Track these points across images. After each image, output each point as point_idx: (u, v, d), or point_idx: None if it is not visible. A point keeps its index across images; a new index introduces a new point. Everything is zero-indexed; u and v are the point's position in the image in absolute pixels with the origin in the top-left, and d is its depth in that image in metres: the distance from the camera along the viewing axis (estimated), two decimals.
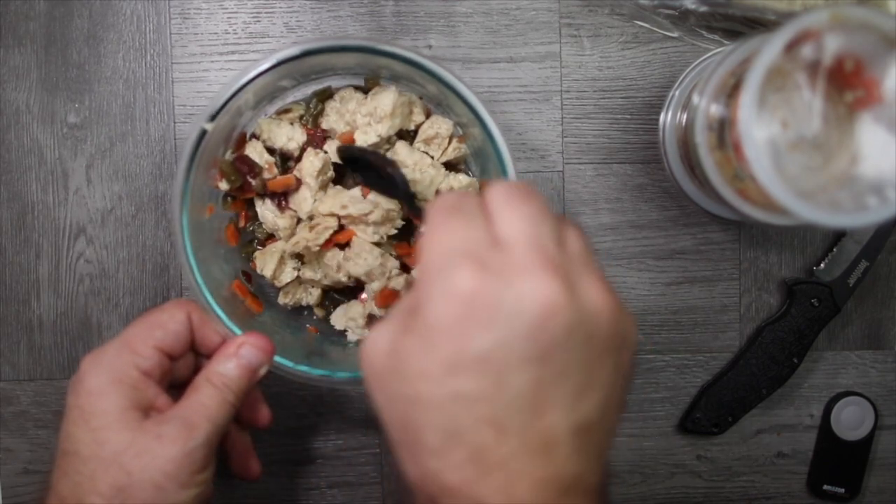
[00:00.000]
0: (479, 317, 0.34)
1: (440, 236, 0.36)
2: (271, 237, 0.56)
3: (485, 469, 0.34)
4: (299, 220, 0.55)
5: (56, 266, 0.60)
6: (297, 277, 0.56)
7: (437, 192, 0.54)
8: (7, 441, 0.61)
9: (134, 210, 0.60)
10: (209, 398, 0.45)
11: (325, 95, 0.55)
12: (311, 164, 0.53)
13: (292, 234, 0.54)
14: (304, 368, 0.50)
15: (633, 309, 0.61)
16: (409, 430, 0.36)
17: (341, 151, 0.53)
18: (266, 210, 0.55)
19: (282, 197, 0.54)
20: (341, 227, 0.54)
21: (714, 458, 0.63)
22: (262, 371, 0.48)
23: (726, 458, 0.63)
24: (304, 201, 0.54)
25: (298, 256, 0.55)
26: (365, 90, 0.55)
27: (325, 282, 0.55)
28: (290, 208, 0.54)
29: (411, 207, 0.51)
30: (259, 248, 0.56)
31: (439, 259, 0.36)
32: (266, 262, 0.54)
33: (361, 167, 0.53)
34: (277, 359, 0.49)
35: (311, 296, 0.57)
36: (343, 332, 0.57)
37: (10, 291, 0.60)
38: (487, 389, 0.34)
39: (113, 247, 0.60)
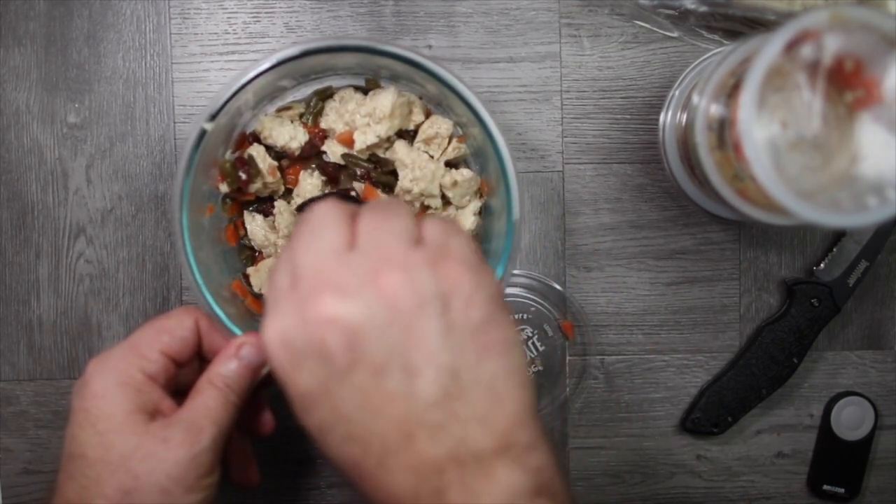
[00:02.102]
0: (289, 362, 0.38)
1: (269, 285, 0.40)
2: (261, 253, 0.56)
3: (369, 479, 0.38)
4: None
5: (56, 266, 0.60)
6: None
7: (441, 187, 0.54)
8: (7, 441, 0.61)
9: (134, 210, 0.60)
10: (213, 400, 0.45)
11: (326, 94, 0.55)
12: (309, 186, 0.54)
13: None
14: None
15: (633, 309, 0.61)
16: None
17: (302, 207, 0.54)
18: (256, 226, 0.55)
19: (269, 202, 0.55)
20: None
21: (714, 458, 0.63)
22: (264, 371, 0.48)
23: (726, 458, 0.63)
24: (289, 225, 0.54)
25: None
26: (365, 90, 0.55)
27: None
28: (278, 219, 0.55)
29: None
30: (257, 255, 0.56)
31: (265, 307, 0.40)
32: (263, 280, 0.54)
33: None
34: None
35: None
36: None
37: (10, 291, 0.60)
38: (330, 415, 0.38)
39: (113, 247, 0.60)
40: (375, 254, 0.38)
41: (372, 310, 0.37)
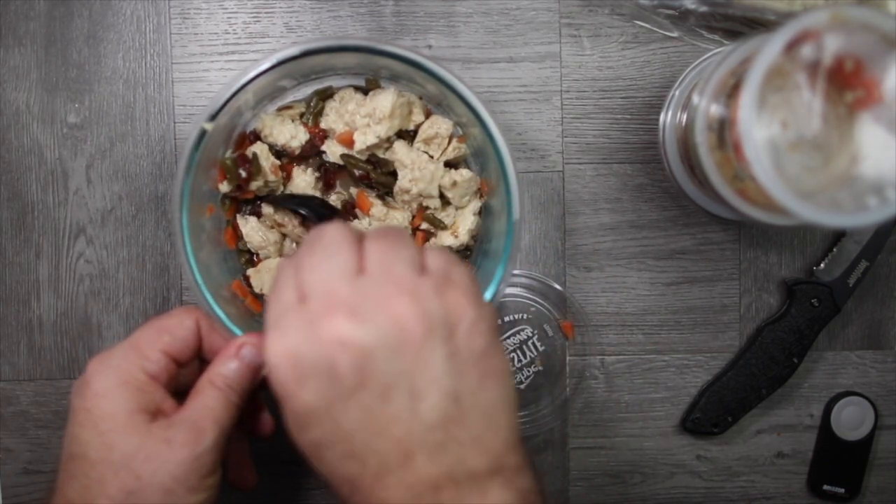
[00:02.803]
0: (293, 378, 0.39)
1: (270, 297, 0.41)
2: (258, 255, 0.56)
3: (364, 494, 0.39)
4: (284, 236, 0.55)
5: (56, 266, 0.60)
6: None
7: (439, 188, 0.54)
8: (7, 441, 0.61)
9: (134, 210, 0.60)
10: (214, 400, 0.45)
11: (326, 94, 0.55)
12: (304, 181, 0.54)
13: (279, 250, 0.55)
14: None
15: (633, 309, 0.61)
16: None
17: (272, 201, 0.55)
18: (251, 229, 0.55)
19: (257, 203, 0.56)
20: None
21: (714, 458, 0.63)
22: (264, 371, 0.48)
23: (726, 458, 0.63)
24: (294, 228, 0.54)
25: None
26: (365, 90, 0.55)
27: None
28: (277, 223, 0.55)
29: None
30: (255, 258, 0.56)
31: (267, 320, 0.40)
32: (265, 281, 0.54)
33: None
34: None
35: None
36: None
37: (10, 291, 0.60)
38: (330, 432, 0.39)
39: (113, 247, 0.60)
40: (386, 280, 0.39)
41: (383, 334, 0.38)
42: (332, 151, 0.55)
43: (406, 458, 0.38)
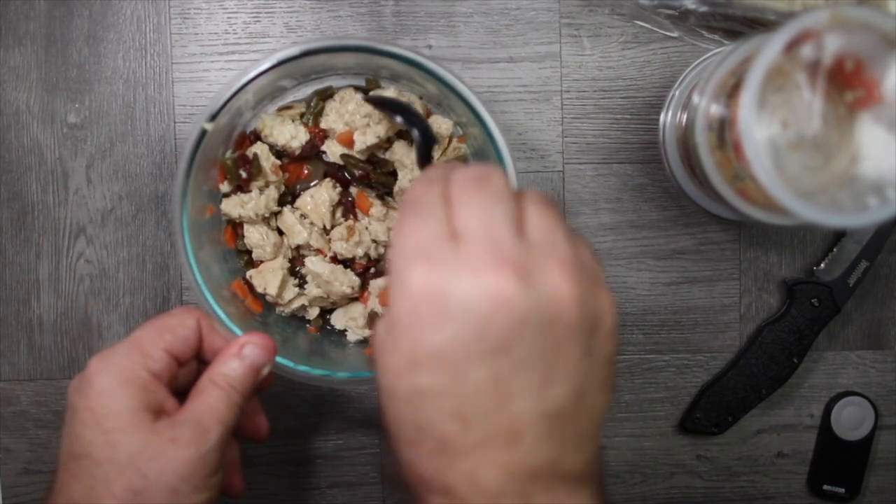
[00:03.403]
0: (432, 314, 0.36)
1: (401, 234, 0.37)
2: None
3: (452, 458, 0.36)
4: (282, 233, 0.55)
5: (56, 266, 0.60)
6: (298, 294, 0.56)
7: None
8: (7, 441, 0.61)
9: (134, 210, 0.60)
10: (217, 400, 0.45)
11: (326, 94, 0.55)
12: (321, 201, 0.55)
13: (277, 252, 0.55)
14: (304, 368, 0.50)
15: (633, 309, 0.61)
16: (392, 423, 0.38)
17: (371, 99, 0.53)
18: (253, 232, 0.54)
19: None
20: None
21: (714, 458, 0.63)
22: (265, 371, 0.48)
23: (726, 458, 0.63)
24: (297, 233, 0.54)
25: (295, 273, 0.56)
26: (365, 90, 0.55)
27: (329, 298, 0.55)
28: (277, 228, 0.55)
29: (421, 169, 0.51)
30: (254, 261, 0.56)
31: (398, 258, 0.37)
32: (268, 281, 0.54)
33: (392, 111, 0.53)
34: (278, 359, 0.49)
35: (310, 313, 0.57)
36: (343, 332, 0.57)
37: (10, 291, 0.60)
38: (447, 384, 0.36)
39: (113, 247, 0.60)
40: (551, 252, 0.37)
41: (543, 306, 0.36)
42: (332, 151, 0.55)
43: (514, 436, 0.36)
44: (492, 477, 0.36)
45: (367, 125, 0.53)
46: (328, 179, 0.55)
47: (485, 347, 0.35)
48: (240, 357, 0.47)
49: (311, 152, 0.55)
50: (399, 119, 0.52)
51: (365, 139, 0.53)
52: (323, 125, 0.55)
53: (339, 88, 0.55)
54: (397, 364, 0.37)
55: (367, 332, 0.56)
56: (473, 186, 0.38)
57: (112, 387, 0.44)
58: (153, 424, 0.44)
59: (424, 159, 0.51)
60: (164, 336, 0.46)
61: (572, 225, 0.61)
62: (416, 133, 0.51)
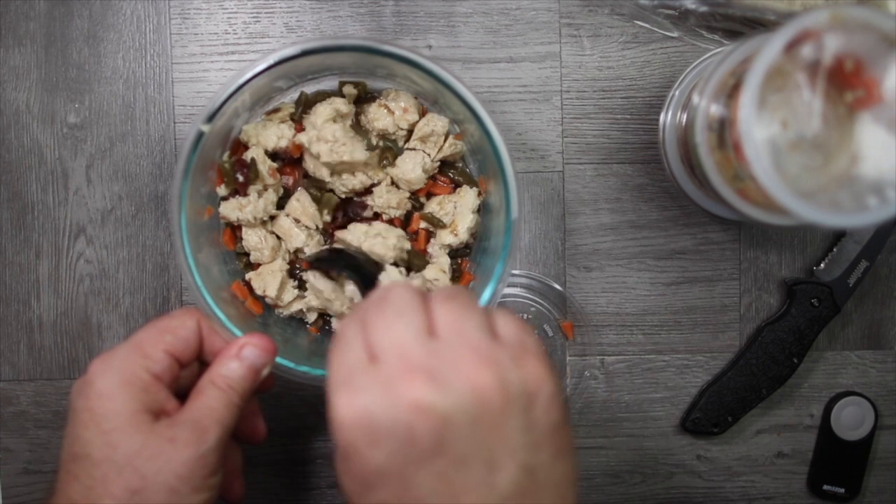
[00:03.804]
0: (365, 438, 0.37)
1: (329, 369, 0.39)
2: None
3: None
4: (280, 239, 0.55)
5: (56, 266, 0.60)
6: (298, 297, 0.56)
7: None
8: (7, 441, 0.61)
9: (134, 210, 0.60)
10: (216, 400, 0.45)
11: (310, 101, 0.54)
12: (307, 203, 0.55)
13: (275, 255, 0.55)
14: (304, 369, 0.50)
15: (633, 309, 0.61)
16: None
17: (311, 264, 0.54)
18: (251, 235, 0.54)
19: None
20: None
21: (714, 458, 0.63)
22: (265, 372, 0.48)
23: (726, 458, 0.63)
24: (293, 237, 0.54)
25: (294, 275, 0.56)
26: (341, 94, 0.55)
27: (329, 308, 0.55)
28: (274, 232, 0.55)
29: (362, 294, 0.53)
30: (253, 262, 0.56)
31: (329, 392, 0.38)
32: (267, 283, 0.54)
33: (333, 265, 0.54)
34: (278, 360, 0.49)
35: (309, 317, 0.57)
36: None
37: (10, 291, 0.60)
38: (400, 495, 0.37)
39: (113, 247, 0.60)
40: (461, 344, 0.38)
41: (463, 401, 0.37)
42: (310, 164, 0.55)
43: None
44: None
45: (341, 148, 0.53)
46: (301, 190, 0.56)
47: (419, 454, 0.37)
48: (239, 358, 0.47)
49: (300, 152, 0.55)
50: (338, 272, 0.53)
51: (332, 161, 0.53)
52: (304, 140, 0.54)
53: (329, 94, 0.55)
54: (354, 488, 0.39)
55: None
56: (377, 307, 0.39)
57: (112, 388, 0.44)
58: (152, 425, 0.44)
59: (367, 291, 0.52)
60: (164, 337, 0.46)
61: (572, 225, 0.61)
62: (354, 277, 0.53)
